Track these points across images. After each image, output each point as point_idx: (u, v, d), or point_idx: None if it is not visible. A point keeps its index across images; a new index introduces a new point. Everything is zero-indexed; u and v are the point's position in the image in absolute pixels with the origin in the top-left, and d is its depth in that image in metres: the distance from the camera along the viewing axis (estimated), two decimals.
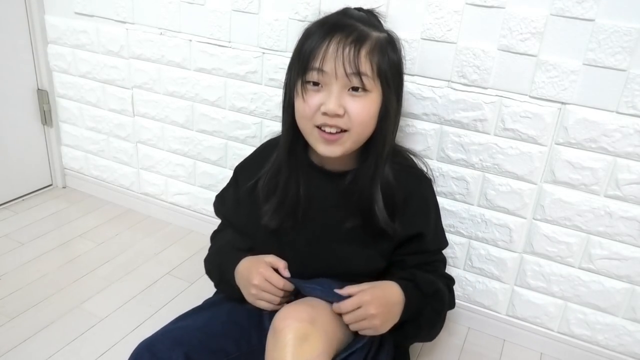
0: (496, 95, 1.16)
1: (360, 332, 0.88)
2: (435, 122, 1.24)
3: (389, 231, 0.94)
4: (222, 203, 1.18)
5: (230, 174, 1.61)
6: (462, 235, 1.31)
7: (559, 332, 1.29)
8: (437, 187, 1.29)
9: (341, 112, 0.84)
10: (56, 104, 1.88)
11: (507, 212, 1.24)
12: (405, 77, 1.23)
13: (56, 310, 1.34)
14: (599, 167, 1.12)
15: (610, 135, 1.08)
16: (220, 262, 1.07)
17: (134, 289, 1.45)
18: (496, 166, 1.21)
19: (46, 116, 1.88)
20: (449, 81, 1.20)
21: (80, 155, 1.93)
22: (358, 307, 0.85)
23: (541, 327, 1.31)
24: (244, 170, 1.09)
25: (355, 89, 0.85)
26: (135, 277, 1.50)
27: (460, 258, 1.34)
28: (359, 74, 0.83)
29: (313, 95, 0.86)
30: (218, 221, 1.70)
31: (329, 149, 0.89)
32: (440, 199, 1.31)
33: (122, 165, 1.85)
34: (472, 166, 1.24)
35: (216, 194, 1.68)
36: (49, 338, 1.24)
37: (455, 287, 1.36)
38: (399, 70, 0.93)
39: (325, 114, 0.85)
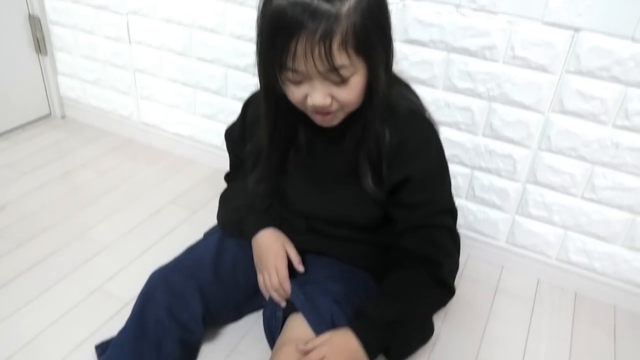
0: (507, 21, 1.12)
1: None
2: (442, 50, 1.20)
3: (372, 196, 0.90)
4: (230, 136, 1.17)
5: (231, 103, 1.60)
6: (465, 165, 1.31)
7: (557, 260, 1.32)
8: (442, 117, 1.27)
9: (328, 102, 0.79)
10: (49, 32, 1.81)
11: (512, 142, 1.23)
12: (412, 3, 1.18)
13: (62, 238, 1.36)
14: (609, 97, 1.09)
15: (624, 64, 1.05)
16: (239, 220, 1.07)
17: (137, 218, 1.46)
18: (503, 95, 1.19)
19: (40, 44, 1.82)
20: (457, 6, 1.15)
21: (77, 84, 1.89)
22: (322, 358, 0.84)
23: (540, 254, 1.33)
24: (251, 105, 1.07)
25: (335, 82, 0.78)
26: (138, 206, 1.51)
27: (462, 188, 1.34)
28: (335, 69, 0.75)
29: (295, 90, 0.80)
30: (221, 152, 1.70)
31: (324, 122, 0.85)
32: (444, 129, 1.29)
33: (120, 95, 1.81)
34: (478, 95, 1.21)
35: (217, 123, 1.67)
36: (56, 264, 1.27)
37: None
38: (382, 25, 0.80)
39: (313, 105, 0.80)
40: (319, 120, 0.85)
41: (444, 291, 0.95)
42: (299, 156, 0.96)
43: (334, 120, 0.85)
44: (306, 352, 0.85)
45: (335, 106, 0.80)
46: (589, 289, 1.30)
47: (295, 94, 0.80)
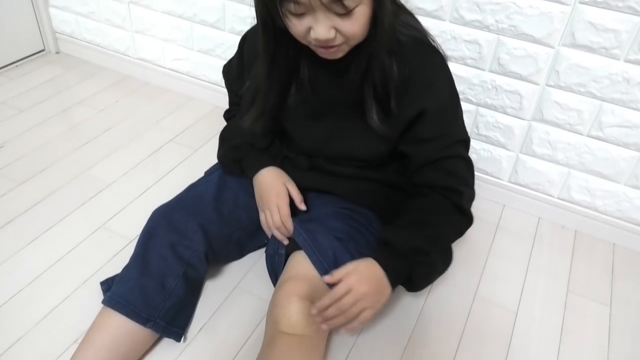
0: None
1: (358, 321, 0.82)
2: None
3: (377, 132, 0.88)
4: (228, 73, 1.13)
5: (229, 37, 1.55)
6: (471, 102, 1.28)
7: (559, 198, 1.32)
8: (448, 51, 1.23)
9: (332, 36, 0.75)
10: None
11: (520, 77, 1.19)
12: None
13: (63, 176, 1.35)
14: (623, 29, 1.04)
15: None
16: (239, 159, 1.05)
17: (138, 156, 1.45)
18: (513, 28, 1.13)
19: None
20: None
21: (70, 17, 1.82)
22: (348, 291, 0.81)
23: (542, 193, 1.33)
24: (249, 40, 1.02)
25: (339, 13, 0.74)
26: (138, 144, 1.50)
27: (466, 125, 1.30)
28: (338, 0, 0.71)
29: (297, 23, 0.75)
30: (220, 88, 1.66)
31: (329, 55, 0.81)
32: (450, 64, 1.25)
33: (115, 29, 1.75)
34: (487, 28, 1.16)
35: (215, 58, 1.62)
36: (58, 202, 1.28)
37: None
38: None
39: (316, 39, 0.76)
40: (322, 53, 0.81)
41: (464, 219, 0.94)
42: (301, 91, 0.93)
43: (338, 53, 0.81)
44: (332, 283, 0.84)
45: (339, 39, 0.77)
46: (589, 227, 1.31)
47: (297, 27, 0.76)
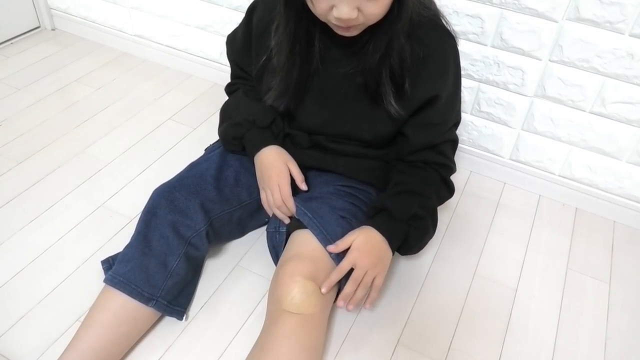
0: None
1: (374, 290, 0.90)
2: None
3: (394, 114, 0.89)
4: (232, 43, 1.11)
5: (227, 12, 1.52)
6: (473, 78, 1.26)
7: (560, 176, 1.31)
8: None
9: (355, 16, 0.74)
10: None
11: (523, 53, 1.17)
12: None
13: (62, 155, 1.35)
14: (629, 2, 1.02)
15: None
16: (240, 136, 1.04)
17: (137, 134, 1.44)
18: (516, 2, 1.11)
19: None
20: None
21: None
22: (352, 266, 0.87)
23: (543, 170, 1.32)
24: (258, 10, 1.00)
25: None
26: (137, 122, 1.49)
27: (468, 102, 1.30)
28: None
29: (322, 0, 0.75)
30: (218, 65, 1.64)
31: (346, 33, 0.81)
32: None
33: (111, 5, 1.72)
34: (489, 2, 1.14)
35: (213, 35, 1.60)
36: (58, 181, 1.27)
37: (460, 132, 1.35)
38: None
39: (338, 19, 0.75)
40: (340, 31, 0.81)
41: (448, 190, 1.02)
42: (311, 68, 0.92)
43: (355, 32, 0.81)
44: (336, 252, 0.89)
45: (360, 19, 0.76)
46: (590, 205, 1.31)
47: (321, 4, 0.76)
